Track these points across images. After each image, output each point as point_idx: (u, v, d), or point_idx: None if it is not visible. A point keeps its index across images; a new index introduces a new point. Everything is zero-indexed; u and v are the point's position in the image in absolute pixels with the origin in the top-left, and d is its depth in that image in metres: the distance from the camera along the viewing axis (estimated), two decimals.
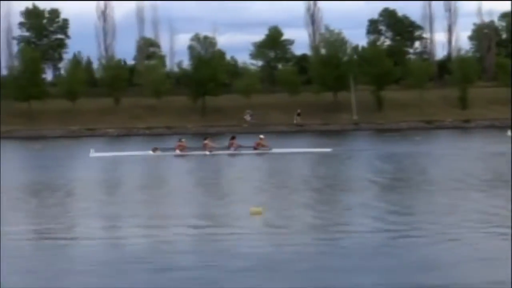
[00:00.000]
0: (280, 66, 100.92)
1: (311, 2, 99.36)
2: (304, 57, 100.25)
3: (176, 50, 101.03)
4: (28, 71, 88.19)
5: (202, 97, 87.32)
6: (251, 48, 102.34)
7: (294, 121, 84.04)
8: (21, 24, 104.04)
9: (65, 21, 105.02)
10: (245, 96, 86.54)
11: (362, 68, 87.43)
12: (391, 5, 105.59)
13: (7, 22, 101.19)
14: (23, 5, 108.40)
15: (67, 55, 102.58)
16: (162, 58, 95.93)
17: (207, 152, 45.83)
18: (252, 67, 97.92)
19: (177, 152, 46.18)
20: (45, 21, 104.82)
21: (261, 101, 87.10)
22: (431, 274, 13.46)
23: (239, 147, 46.82)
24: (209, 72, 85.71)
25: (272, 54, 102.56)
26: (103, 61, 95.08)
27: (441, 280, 13.06)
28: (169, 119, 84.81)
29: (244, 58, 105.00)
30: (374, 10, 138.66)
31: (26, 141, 74.48)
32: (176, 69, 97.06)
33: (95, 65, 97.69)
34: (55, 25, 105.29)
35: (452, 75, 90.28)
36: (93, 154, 46.37)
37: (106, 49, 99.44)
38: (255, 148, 46.35)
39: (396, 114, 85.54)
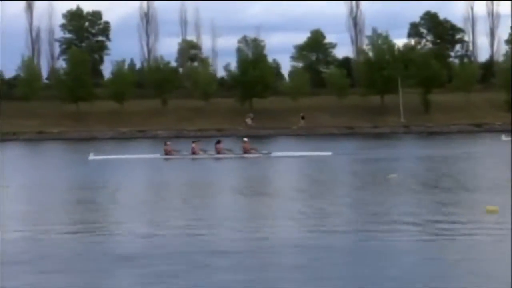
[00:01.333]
0: (321, 68, 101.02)
1: (353, 4, 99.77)
2: (346, 60, 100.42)
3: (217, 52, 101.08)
4: (76, 72, 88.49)
5: (249, 99, 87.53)
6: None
7: (299, 124, 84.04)
8: (62, 26, 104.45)
9: (107, 23, 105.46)
10: (292, 98, 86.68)
11: (408, 70, 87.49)
12: (431, 7, 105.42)
13: (49, 23, 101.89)
14: (64, 7, 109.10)
15: (109, 57, 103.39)
16: (208, 60, 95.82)
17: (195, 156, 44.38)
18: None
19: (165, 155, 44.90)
20: (87, 23, 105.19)
21: (307, 103, 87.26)
22: None
23: (227, 150, 45.06)
24: (257, 74, 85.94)
25: (313, 56, 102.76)
26: (151, 63, 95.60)
27: None
28: (217, 121, 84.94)
29: None
30: (407, 10, 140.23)
31: (77, 142, 74.71)
32: (219, 71, 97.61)
33: (138, 66, 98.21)
34: (96, 27, 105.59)
35: (497, 78, 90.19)
36: (92, 157, 44.38)
37: (149, 51, 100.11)
38: (245, 152, 44.13)
39: (442, 117, 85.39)
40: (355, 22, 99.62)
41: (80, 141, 75.95)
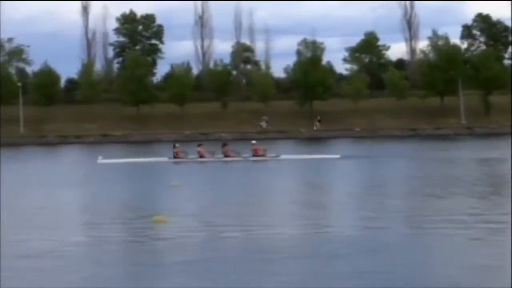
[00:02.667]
0: (375, 70, 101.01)
1: (407, 5, 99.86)
2: (401, 62, 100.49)
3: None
4: (137, 75, 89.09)
5: (309, 102, 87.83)
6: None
7: (314, 128, 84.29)
8: (116, 30, 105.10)
9: (160, 26, 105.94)
10: (352, 100, 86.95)
11: (469, 72, 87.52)
12: (482, 8, 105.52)
13: (103, 27, 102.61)
14: (118, 10, 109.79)
15: (163, 61, 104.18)
16: (267, 63, 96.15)
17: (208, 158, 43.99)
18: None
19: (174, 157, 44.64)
20: (140, 27, 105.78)
21: (367, 105, 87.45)
22: None
23: (234, 153, 44.65)
24: (318, 77, 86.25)
25: (366, 59, 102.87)
26: (207, 66, 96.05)
27: None
28: (277, 124, 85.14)
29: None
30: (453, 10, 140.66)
31: (142, 145, 75.04)
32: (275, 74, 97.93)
33: (194, 69, 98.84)
34: (150, 30, 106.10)
35: None
36: (100, 160, 44.35)
37: (204, 54, 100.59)
38: (254, 155, 43.78)
39: (502, 119, 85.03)
40: (410, 23, 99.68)
41: (144, 144, 76.27)
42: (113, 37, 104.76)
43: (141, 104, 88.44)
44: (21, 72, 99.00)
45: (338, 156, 43.58)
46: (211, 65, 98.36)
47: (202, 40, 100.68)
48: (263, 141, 75.19)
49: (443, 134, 79.49)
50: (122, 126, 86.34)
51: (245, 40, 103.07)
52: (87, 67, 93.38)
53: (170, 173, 37.89)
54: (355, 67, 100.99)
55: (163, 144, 76.75)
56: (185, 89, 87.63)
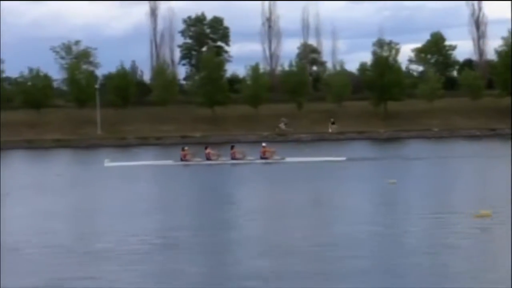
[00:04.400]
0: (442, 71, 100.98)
1: (476, 5, 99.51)
2: (469, 62, 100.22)
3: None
4: (212, 77, 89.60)
5: (384, 102, 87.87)
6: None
7: (330, 130, 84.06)
8: (182, 32, 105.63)
9: (226, 29, 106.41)
10: (427, 101, 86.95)
11: None
12: None
13: (169, 29, 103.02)
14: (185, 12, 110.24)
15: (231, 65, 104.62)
16: (342, 64, 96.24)
17: (210, 161, 45.30)
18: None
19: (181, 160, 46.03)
20: (208, 30, 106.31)
21: (441, 106, 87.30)
22: None
23: (244, 156, 46.09)
24: (394, 78, 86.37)
25: (433, 59, 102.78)
26: (278, 66, 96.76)
27: None
28: (352, 124, 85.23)
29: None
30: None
31: (221, 146, 75.16)
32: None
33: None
34: (217, 33, 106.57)
35: None
36: (107, 163, 45.66)
37: (271, 56, 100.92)
38: (262, 158, 45.44)
39: None
40: (477, 23, 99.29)
41: (223, 145, 76.36)
42: (178, 39, 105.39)
43: (216, 105, 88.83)
44: (90, 75, 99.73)
45: (344, 158, 44.26)
46: (281, 66, 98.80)
47: (270, 42, 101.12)
48: (341, 141, 75.98)
49: None
50: (197, 128, 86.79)
51: (312, 41, 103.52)
52: (161, 69, 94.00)
53: (234, 176, 39.36)
54: (420, 68, 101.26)
55: (242, 145, 76.96)
56: (260, 90, 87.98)
